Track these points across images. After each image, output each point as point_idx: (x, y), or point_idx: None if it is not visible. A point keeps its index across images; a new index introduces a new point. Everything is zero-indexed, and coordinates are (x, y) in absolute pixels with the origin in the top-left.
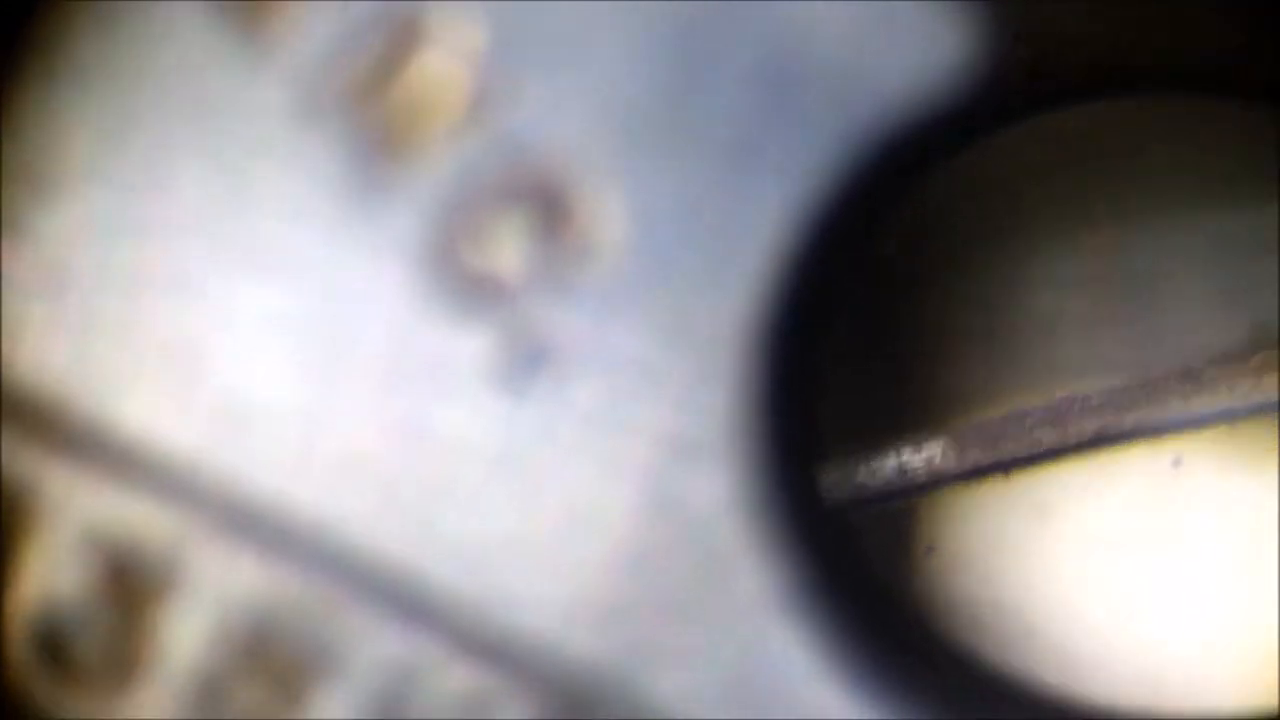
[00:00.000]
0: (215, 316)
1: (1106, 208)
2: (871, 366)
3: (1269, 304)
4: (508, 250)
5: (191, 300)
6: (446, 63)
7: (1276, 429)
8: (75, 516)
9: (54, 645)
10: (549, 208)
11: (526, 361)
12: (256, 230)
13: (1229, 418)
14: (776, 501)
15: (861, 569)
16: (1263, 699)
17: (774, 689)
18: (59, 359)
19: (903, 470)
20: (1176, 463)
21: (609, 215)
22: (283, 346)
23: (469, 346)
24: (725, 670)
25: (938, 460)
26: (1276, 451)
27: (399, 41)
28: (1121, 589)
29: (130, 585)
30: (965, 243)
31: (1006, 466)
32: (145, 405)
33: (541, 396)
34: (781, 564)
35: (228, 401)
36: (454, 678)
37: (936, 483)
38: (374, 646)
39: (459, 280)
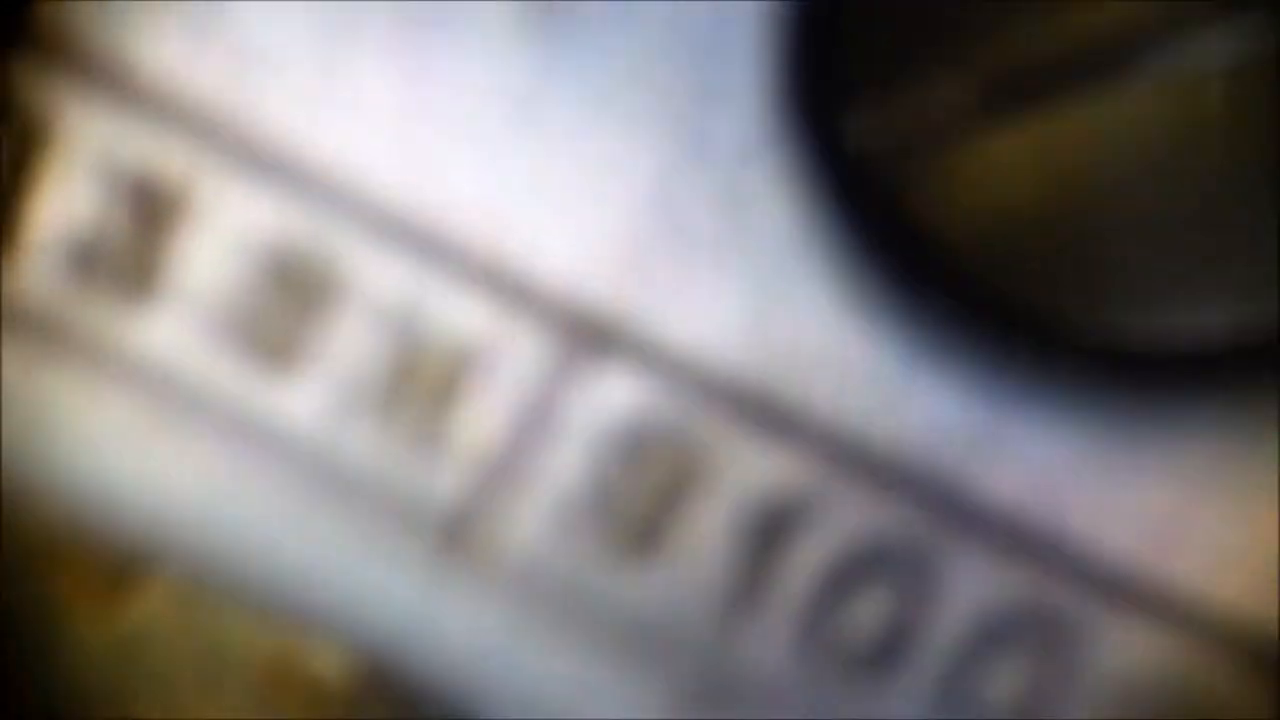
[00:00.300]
0: None
1: None
2: (897, 7)
3: None
4: None
5: None
6: None
7: None
8: (92, 145)
9: (74, 262)
10: None
11: (548, 7)
12: None
13: (1250, 54)
14: (801, 145)
15: (886, 210)
16: None
17: (794, 333)
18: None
19: (927, 110)
20: None
21: None
22: None
23: None
24: (745, 306)
25: (961, 100)
26: None
27: None
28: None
29: (148, 211)
30: None
31: (1030, 102)
32: (163, 43)
33: (564, 43)
34: (806, 207)
35: (244, 41)
36: (470, 309)
37: (960, 121)
38: (388, 279)
39: None
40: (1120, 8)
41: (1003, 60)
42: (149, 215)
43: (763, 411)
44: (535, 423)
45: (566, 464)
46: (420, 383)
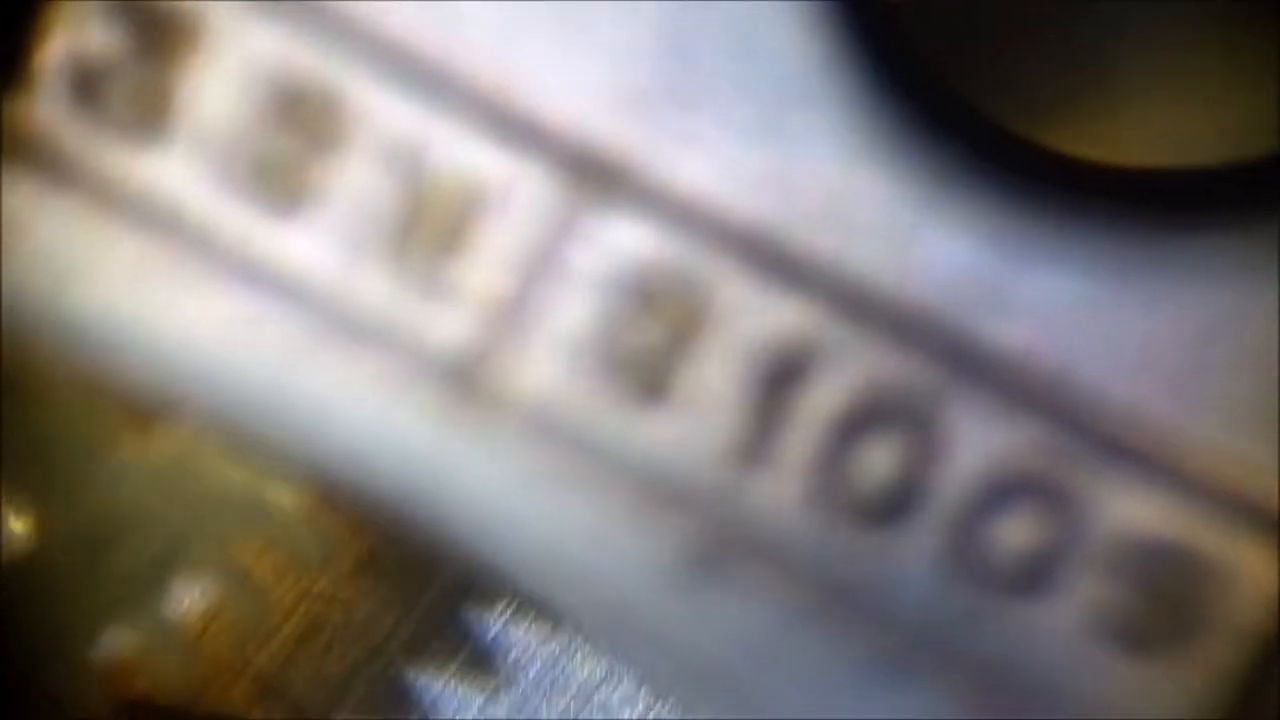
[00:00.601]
0: None
1: None
2: None
3: None
4: None
5: None
6: None
7: None
8: None
9: (83, 94)
10: None
11: None
12: None
13: None
14: None
15: (899, 43)
16: None
17: (805, 175)
18: None
19: None
20: None
21: None
22: None
23: None
24: (755, 156)
25: None
26: None
27: None
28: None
29: (156, 43)
30: None
31: None
32: None
33: None
34: (819, 44)
35: None
36: (476, 152)
37: None
38: (394, 120)
39: None
40: None
41: None
42: (158, 44)
43: (771, 256)
44: (543, 266)
45: (574, 308)
46: (427, 225)
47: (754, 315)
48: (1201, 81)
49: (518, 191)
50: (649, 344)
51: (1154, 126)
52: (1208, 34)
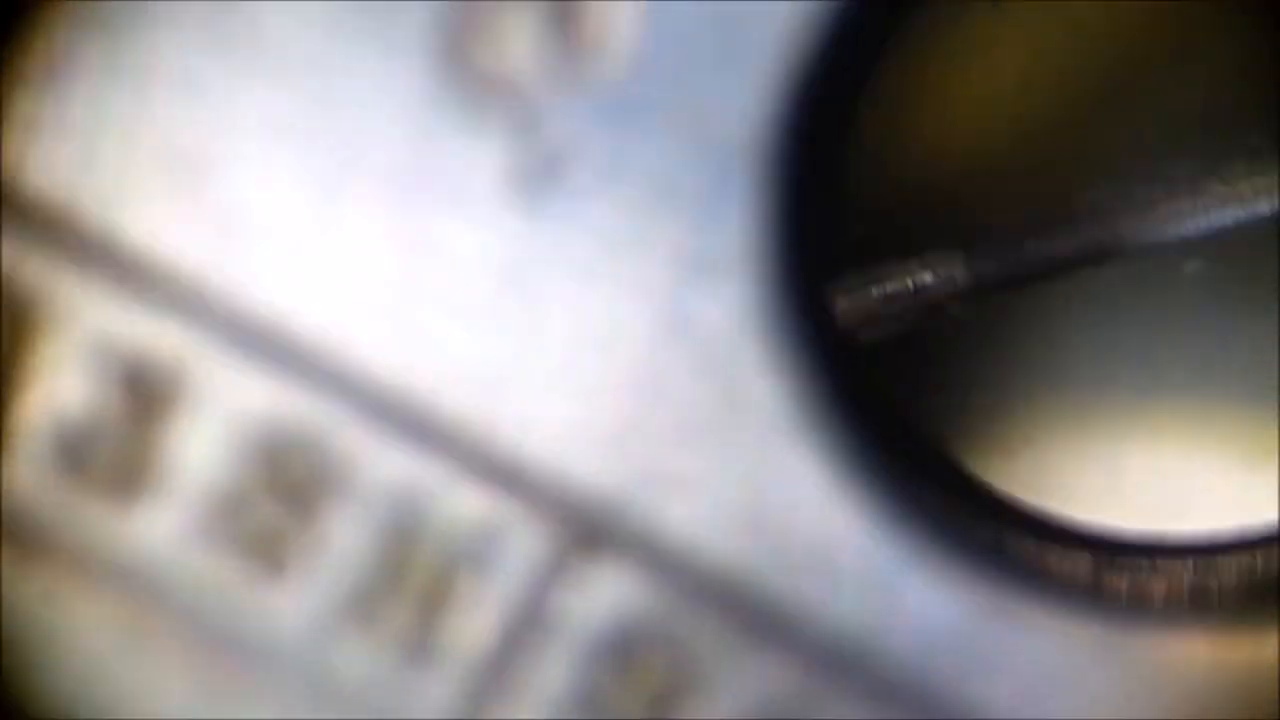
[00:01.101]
0: (221, 121)
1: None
2: (885, 184)
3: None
4: (519, 51)
5: (197, 103)
6: None
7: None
8: (82, 327)
9: (63, 455)
10: (561, 7)
11: (538, 174)
12: (262, 30)
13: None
14: (791, 321)
15: (875, 391)
16: None
17: (786, 514)
18: (66, 163)
19: (917, 289)
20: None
21: (622, 16)
22: (288, 154)
23: (480, 157)
24: (737, 495)
25: (952, 278)
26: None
27: None
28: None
29: (139, 398)
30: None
31: (1021, 282)
32: (151, 215)
33: (553, 211)
34: (795, 386)
35: (233, 212)
36: (462, 501)
37: (951, 301)
38: (381, 467)
39: (470, 84)
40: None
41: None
42: (139, 401)
43: (755, 613)
44: (527, 625)
45: (557, 670)
46: (412, 585)
47: (738, 678)
48: (1173, 427)
49: (502, 545)
50: (632, 708)
51: (1125, 474)
52: (1179, 376)
